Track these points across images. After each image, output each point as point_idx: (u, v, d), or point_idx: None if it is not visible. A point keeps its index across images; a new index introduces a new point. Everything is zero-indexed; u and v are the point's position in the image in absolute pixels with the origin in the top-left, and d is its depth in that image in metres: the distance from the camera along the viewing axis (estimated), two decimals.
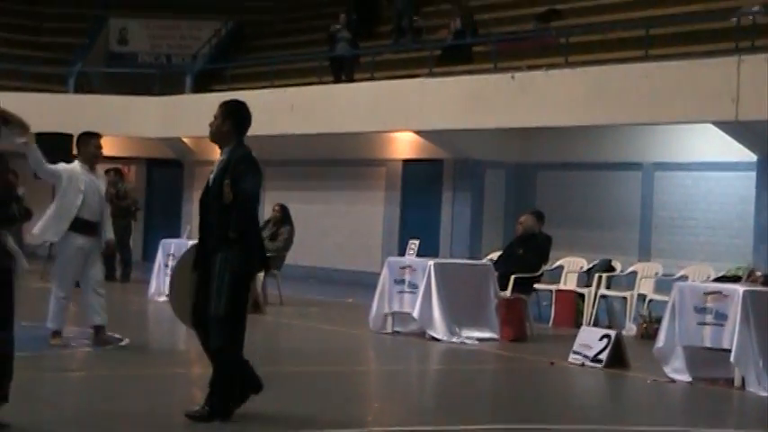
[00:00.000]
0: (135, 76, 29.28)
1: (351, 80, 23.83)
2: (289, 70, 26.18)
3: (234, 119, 8.05)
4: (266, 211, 19.31)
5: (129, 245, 20.53)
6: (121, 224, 18.58)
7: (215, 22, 31.17)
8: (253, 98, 22.20)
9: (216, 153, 8.18)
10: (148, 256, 23.39)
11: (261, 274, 17.04)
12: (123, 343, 11.99)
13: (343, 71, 24.22)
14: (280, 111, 22.83)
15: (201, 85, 28.13)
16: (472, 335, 13.82)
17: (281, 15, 31.46)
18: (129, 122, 26.17)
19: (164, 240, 18.19)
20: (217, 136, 8.09)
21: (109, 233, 11.80)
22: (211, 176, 8.03)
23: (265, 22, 31.51)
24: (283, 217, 17.92)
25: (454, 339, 13.62)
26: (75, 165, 11.69)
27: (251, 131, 8.24)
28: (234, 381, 7.92)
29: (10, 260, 7.18)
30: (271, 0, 32.16)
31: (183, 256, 8.38)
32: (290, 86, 24.02)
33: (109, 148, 28.01)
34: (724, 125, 17.07)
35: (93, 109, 26.51)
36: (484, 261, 16.01)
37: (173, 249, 17.64)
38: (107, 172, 21.26)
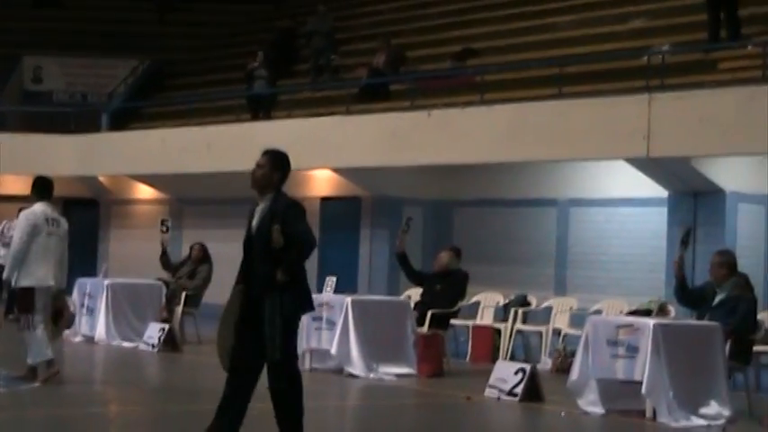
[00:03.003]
0: (51, 114, 29.04)
1: (268, 118, 23.85)
2: (206, 109, 26.08)
3: (283, 170, 8.38)
4: (183, 250, 19.19)
5: None
6: None
7: (131, 60, 31.02)
8: (169, 137, 22.35)
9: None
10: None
11: (179, 311, 17.20)
12: (37, 384, 11.85)
13: (260, 109, 24.23)
14: (197, 149, 22.68)
15: (118, 124, 27.95)
16: (390, 371, 13.88)
17: (197, 54, 31.42)
18: (44, 161, 25.79)
19: (80, 279, 17.97)
20: (263, 184, 8.39)
21: None
22: (254, 223, 8.30)
23: (182, 60, 31.44)
24: (203, 256, 17.99)
25: (372, 375, 13.68)
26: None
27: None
28: (300, 409, 8.21)
29: None
30: (187, 39, 32.14)
31: (231, 300, 8.39)
32: (207, 125, 23.97)
33: (24, 187, 27.83)
34: (636, 161, 17.37)
35: (7, 147, 26.20)
36: (401, 298, 16.07)
37: (89, 288, 17.49)
38: (21, 211, 21.05)
